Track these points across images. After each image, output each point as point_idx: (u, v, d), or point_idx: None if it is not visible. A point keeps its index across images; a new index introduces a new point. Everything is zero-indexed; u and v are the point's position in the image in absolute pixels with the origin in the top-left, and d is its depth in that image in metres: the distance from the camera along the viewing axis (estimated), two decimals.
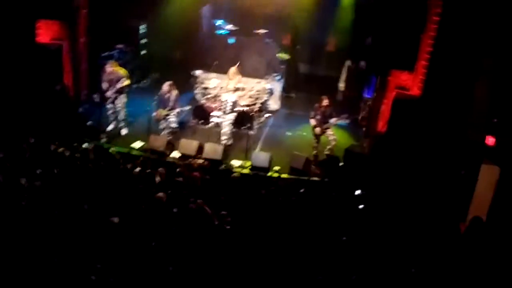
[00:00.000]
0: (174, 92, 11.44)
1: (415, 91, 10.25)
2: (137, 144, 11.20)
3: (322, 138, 11.22)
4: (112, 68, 11.51)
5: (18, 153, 8.90)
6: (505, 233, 7.47)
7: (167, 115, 11.39)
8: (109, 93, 11.46)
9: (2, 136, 9.43)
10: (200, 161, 10.54)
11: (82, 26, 12.22)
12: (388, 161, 9.85)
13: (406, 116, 9.98)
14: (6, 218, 6.63)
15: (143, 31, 15.01)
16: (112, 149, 10.51)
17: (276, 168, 10.67)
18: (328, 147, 11.16)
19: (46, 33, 11.50)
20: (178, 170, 9.37)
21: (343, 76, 14.56)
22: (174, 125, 11.54)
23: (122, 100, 11.56)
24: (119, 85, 11.41)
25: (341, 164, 10.63)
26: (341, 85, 14.58)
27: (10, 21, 10.66)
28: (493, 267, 6.66)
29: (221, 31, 14.11)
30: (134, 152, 10.89)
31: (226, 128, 11.46)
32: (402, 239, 7.40)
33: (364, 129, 12.50)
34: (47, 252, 6.12)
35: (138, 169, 8.88)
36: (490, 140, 8.14)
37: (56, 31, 11.67)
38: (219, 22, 14.17)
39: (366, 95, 13.15)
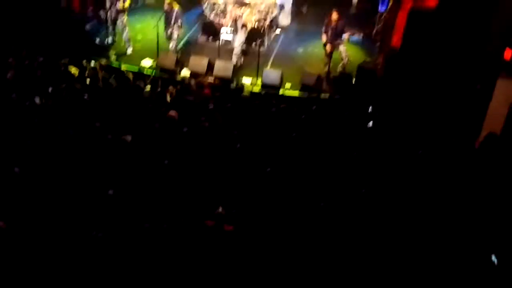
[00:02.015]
0: (176, 8, 11.05)
1: (431, 2, 9.81)
2: (147, 62, 11.04)
3: (335, 54, 10.94)
4: None
5: (29, 71, 8.84)
6: None
7: (172, 33, 11.09)
8: (111, 12, 11.17)
9: (11, 55, 9.33)
10: (211, 79, 10.41)
11: None
12: (402, 77, 9.62)
13: (422, 29, 9.60)
14: (20, 135, 6.70)
15: None
16: (124, 68, 10.40)
17: (288, 85, 10.53)
18: (341, 64, 10.91)
19: None
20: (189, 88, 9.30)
21: None
22: (180, 42, 11.25)
23: (123, 18, 11.25)
24: (120, 3, 11.08)
25: (353, 81, 10.44)
26: None
27: None
28: (507, 181, 6.67)
29: None
30: (144, 71, 10.74)
31: (237, 45, 11.19)
32: (415, 155, 7.41)
33: (378, 44, 12.15)
34: (58, 170, 6.23)
35: (148, 87, 8.81)
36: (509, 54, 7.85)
37: None
38: None
39: (380, 8, 12.65)
